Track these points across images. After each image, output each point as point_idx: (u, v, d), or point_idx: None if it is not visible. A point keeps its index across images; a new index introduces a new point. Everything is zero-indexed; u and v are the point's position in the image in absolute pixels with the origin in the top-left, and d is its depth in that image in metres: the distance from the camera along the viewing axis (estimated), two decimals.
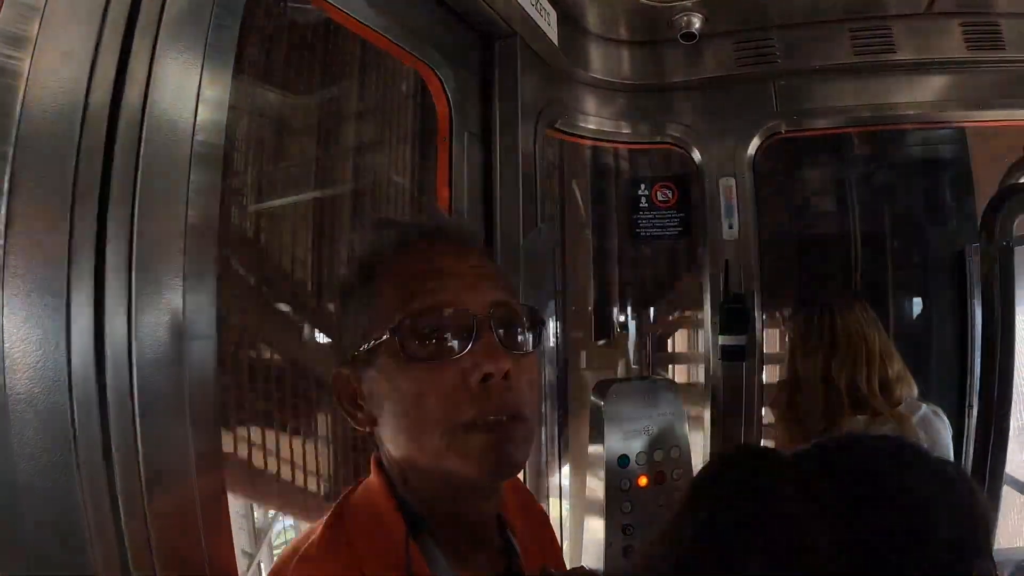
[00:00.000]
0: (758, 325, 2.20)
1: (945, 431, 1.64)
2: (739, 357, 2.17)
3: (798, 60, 2.07)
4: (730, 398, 2.19)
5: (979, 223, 1.07)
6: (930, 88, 2.05)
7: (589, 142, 2.31)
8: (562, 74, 2.04)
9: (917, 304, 2.59)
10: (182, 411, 0.84)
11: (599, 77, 2.12)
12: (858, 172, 2.65)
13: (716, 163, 2.23)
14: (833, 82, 2.10)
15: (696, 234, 2.36)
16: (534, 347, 0.80)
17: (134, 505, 0.77)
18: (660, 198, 2.40)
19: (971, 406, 2.07)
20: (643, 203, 2.41)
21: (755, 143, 2.20)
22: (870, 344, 1.64)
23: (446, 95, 1.66)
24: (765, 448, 0.67)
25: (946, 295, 2.41)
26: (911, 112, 2.08)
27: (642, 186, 2.41)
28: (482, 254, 0.84)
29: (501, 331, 0.76)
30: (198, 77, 0.90)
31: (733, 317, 2.18)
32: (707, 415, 2.24)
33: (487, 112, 1.79)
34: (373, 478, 0.83)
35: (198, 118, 0.89)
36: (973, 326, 2.16)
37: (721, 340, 2.19)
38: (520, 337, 0.79)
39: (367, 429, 0.81)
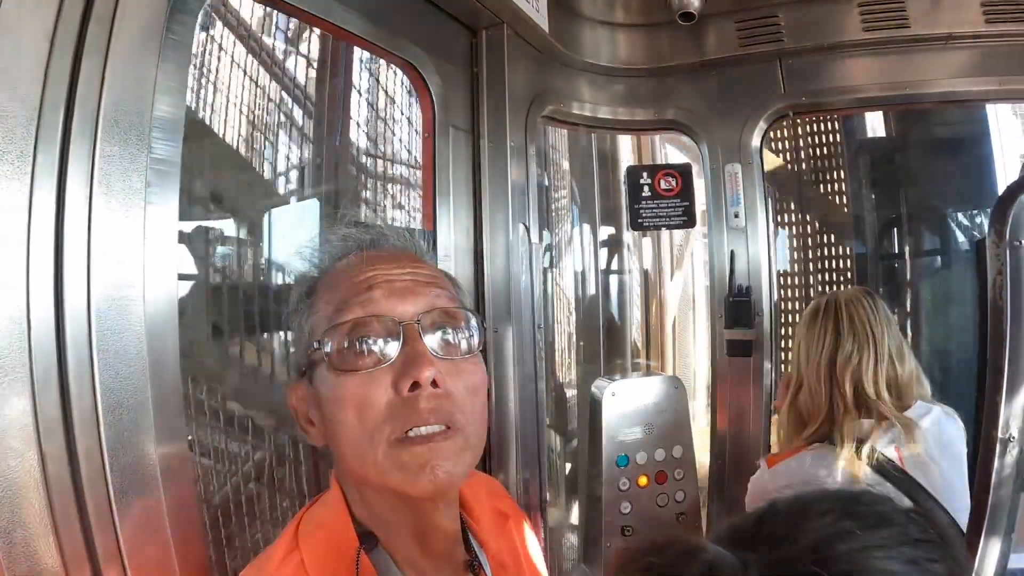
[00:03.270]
0: (766, 319, 2.11)
1: (959, 434, 1.53)
2: (746, 352, 2.08)
3: (805, 38, 1.97)
4: (737, 395, 2.10)
5: (989, 219, 0.97)
6: (947, 64, 1.92)
7: (585, 130, 2.23)
8: (554, 61, 1.97)
9: (937, 296, 2.48)
10: None
11: (594, 63, 2.05)
12: (872, 155, 2.54)
13: (721, 149, 2.13)
14: (843, 60, 1.99)
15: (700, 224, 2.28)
16: (471, 351, 0.78)
17: None
18: (663, 187, 2.29)
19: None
20: (645, 192, 2.31)
21: (761, 127, 2.10)
22: (878, 341, 1.53)
23: (428, 91, 1.60)
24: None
25: (967, 287, 2.30)
26: (926, 90, 1.96)
27: (644, 174, 2.32)
28: (418, 260, 0.83)
29: (431, 337, 0.75)
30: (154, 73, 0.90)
31: (739, 311, 2.09)
32: (712, 413, 2.16)
33: (474, 105, 1.74)
34: (331, 492, 0.82)
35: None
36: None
37: (727, 335, 2.10)
38: (454, 343, 0.77)
39: (321, 444, 0.79)
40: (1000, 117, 2.30)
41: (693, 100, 2.14)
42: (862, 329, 1.55)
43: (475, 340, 0.79)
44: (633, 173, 2.33)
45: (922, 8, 1.86)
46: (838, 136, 2.56)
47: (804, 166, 2.59)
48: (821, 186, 2.60)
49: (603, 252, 2.94)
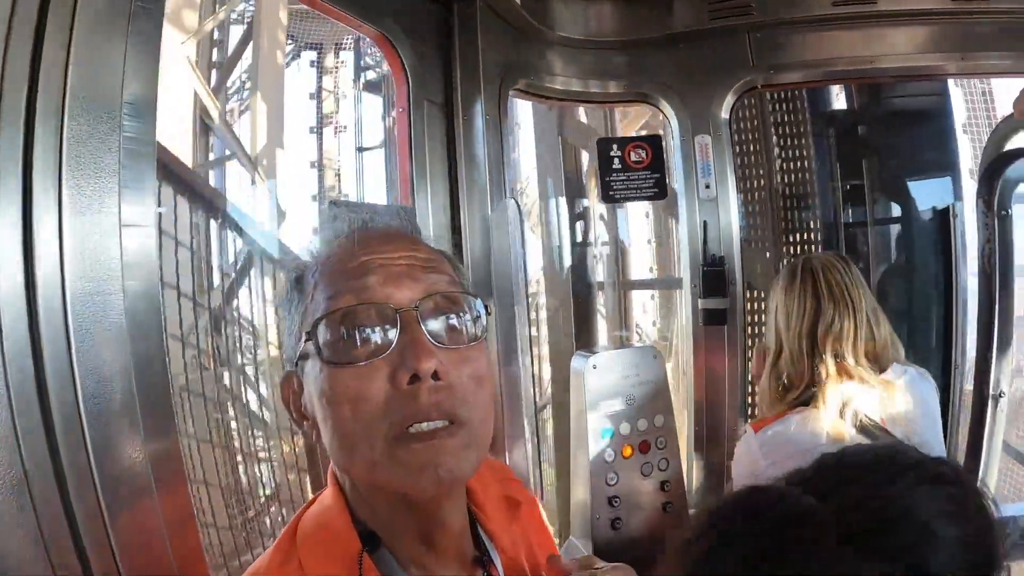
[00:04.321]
0: (739, 288, 2.16)
1: (932, 393, 1.60)
2: (721, 321, 2.13)
3: (774, 12, 1.99)
4: (713, 362, 2.15)
5: (976, 190, 1.02)
6: (913, 39, 1.97)
7: (557, 103, 2.22)
8: (526, 34, 1.95)
9: (901, 261, 2.58)
10: None
11: (566, 36, 2.04)
12: (838, 126, 2.60)
13: (691, 120, 2.15)
14: (811, 34, 2.03)
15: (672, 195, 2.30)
16: (476, 339, 0.73)
17: None
18: (633, 159, 2.28)
19: (957, 365, 2.06)
20: (616, 164, 2.31)
21: (730, 99, 2.13)
22: (857, 307, 1.56)
23: (402, 64, 1.57)
24: (789, 498, 0.60)
25: (931, 252, 2.40)
26: (892, 64, 2.00)
27: (614, 147, 2.31)
28: (415, 243, 0.78)
29: (431, 325, 0.70)
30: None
31: (713, 280, 2.13)
32: (690, 380, 2.21)
33: (448, 79, 1.71)
34: (328, 491, 0.78)
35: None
36: (959, 284, 2.14)
37: (702, 304, 2.14)
38: (456, 330, 0.72)
39: (316, 440, 0.74)
40: (961, 89, 2.39)
41: (663, 73, 2.15)
42: (841, 295, 1.57)
43: (479, 326, 0.74)
44: (603, 145, 2.33)
45: None
46: (805, 106, 2.61)
47: (772, 137, 2.63)
48: (788, 156, 2.66)
49: (578, 224, 2.95)
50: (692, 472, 2.19)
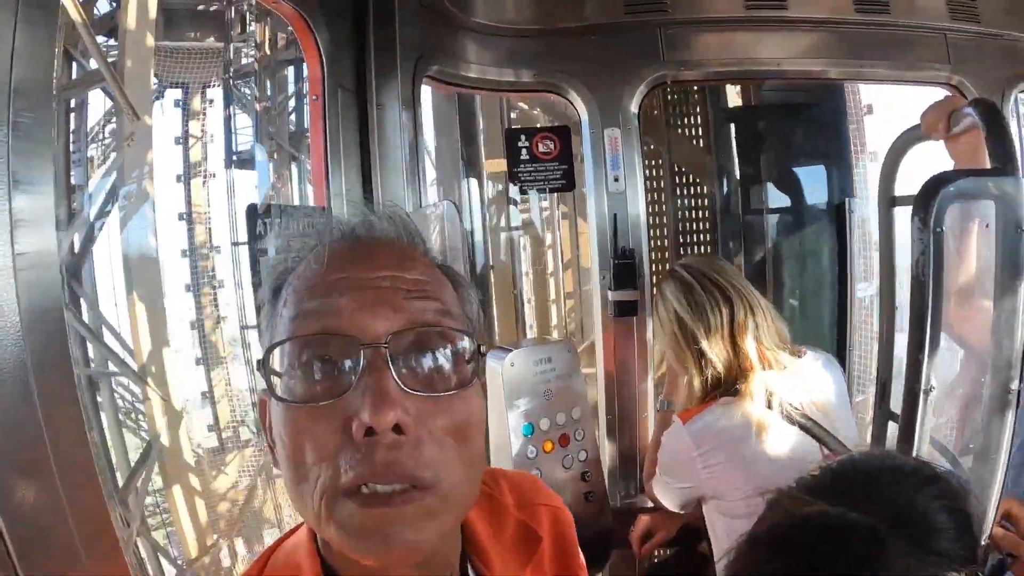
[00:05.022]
0: (647, 279, 2.19)
1: (841, 377, 1.72)
2: (632, 312, 2.17)
3: (688, 10, 2.04)
4: (623, 353, 2.20)
5: (913, 210, 1.10)
6: (817, 45, 2.08)
7: (469, 90, 2.16)
8: (442, 19, 1.90)
9: (798, 253, 2.75)
10: None
11: (482, 22, 1.99)
12: (742, 124, 2.72)
13: (601, 113, 2.15)
14: (723, 33, 2.08)
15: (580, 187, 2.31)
16: (462, 384, 0.62)
17: None
18: (542, 149, 2.26)
19: (850, 349, 2.25)
20: (524, 155, 2.27)
21: (640, 93, 2.14)
22: (756, 300, 1.64)
23: (318, 48, 1.45)
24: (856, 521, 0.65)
25: (826, 245, 2.58)
26: (798, 68, 2.11)
27: (523, 137, 2.27)
28: (407, 259, 0.65)
29: (404, 366, 0.59)
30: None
31: (624, 273, 2.16)
32: (600, 371, 2.25)
33: (361, 64, 1.63)
34: (303, 530, 0.70)
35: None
36: (852, 277, 2.32)
37: (612, 296, 2.17)
38: (436, 372, 0.61)
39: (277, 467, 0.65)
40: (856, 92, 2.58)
41: (575, 64, 2.13)
42: (745, 292, 1.65)
43: (467, 369, 0.63)
44: (512, 136, 2.30)
45: None
46: (708, 101, 2.70)
47: (678, 131, 2.71)
48: (693, 149, 2.75)
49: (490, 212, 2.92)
50: (606, 459, 2.25)
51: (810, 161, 2.76)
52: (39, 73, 0.77)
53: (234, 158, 10.10)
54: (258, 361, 0.62)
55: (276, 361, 0.61)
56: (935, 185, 1.07)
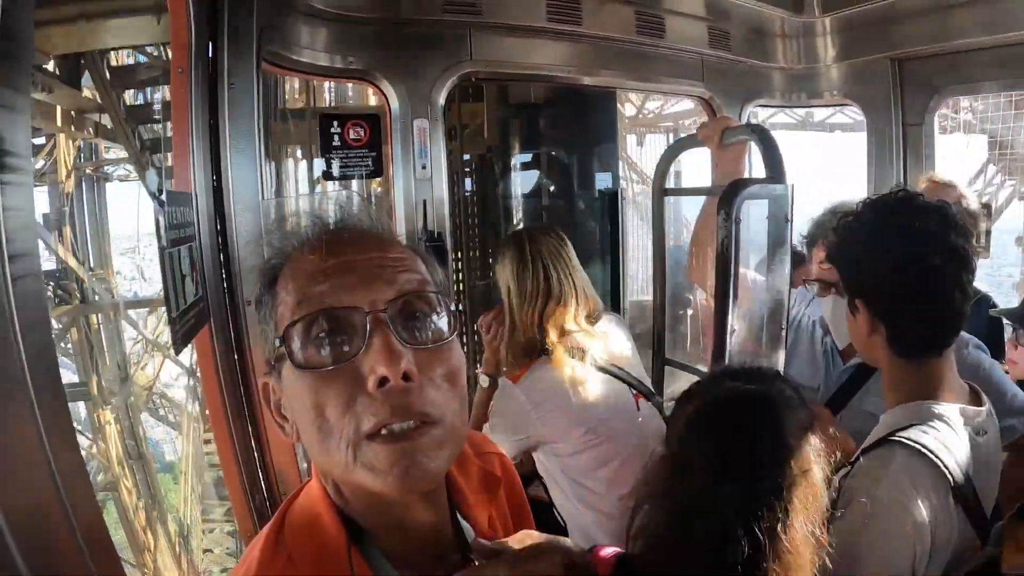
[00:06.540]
0: (449, 261, 2.38)
1: (628, 332, 1.99)
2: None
3: (499, 16, 2.24)
4: None
5: (719, 205, 1.48)
6: (604, 58, 2.44)
7: (297, 75, 2.13)
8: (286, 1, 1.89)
9: (584, 230, 3.15)
10: None
11: (316, 6, 2.00)
12: (537, 120, 3.03)
13: (411, 104, 2.27)
14: (526, 40, 2.33)
15: (389, 174, 2.38)
16: (446, 337, 0.74)
17: None
18: (352, 136, 2.31)
19: (625, 310, 2.71)
20: (336, 141, 2.30)
21: (448, 87, 2.30)
22: (578, 282, 1.83)
23: (188, 17, 1.36)
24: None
25: (604, 227, 3.03)
26: (584, 76, 2.46)
27: (335, 123, 2.31)
28: (385, 242, 0.77)
29: (402, 326, 0.70)
30: None
31: (436, 255, 2.31)
32: None
33: (215, 41, 1.58)
34: (313, 483, 0.79)
35: None
36: (624, 255, 2.78)
37: None
38: (428, 330, 0.72)
39: (295, 440, 0.75)
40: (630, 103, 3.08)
41: (390, 54, 2.22)
42: (567, 274, 1.83)
43: (450, 324, 0.74)
44: (324, 121, 2.32)
45: (593, 11, 2.33)
46: (506, 98, 2.98)
47: (475, 124, 2.95)
48: (484, 141, 3.01)
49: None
50: None
51: (587, 155, 3.24)
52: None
53: None
54: (279, 339, 0.71)
55: (292, 339, 0.70)
56: (735, 188, 1.47)
